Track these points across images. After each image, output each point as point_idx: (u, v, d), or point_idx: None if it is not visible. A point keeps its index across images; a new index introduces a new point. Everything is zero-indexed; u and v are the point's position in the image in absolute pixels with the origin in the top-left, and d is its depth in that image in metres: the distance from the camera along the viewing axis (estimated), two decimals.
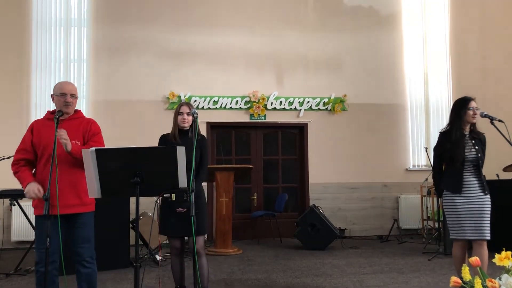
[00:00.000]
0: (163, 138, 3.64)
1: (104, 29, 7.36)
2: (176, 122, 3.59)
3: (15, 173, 3.04)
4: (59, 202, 2.89)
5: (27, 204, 4.91)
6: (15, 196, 4.98)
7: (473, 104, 3.60)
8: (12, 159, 3.11)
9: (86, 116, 3.32)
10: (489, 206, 3.50)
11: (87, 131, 3.12)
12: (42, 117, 3.22)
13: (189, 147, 3.32)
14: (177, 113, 3.58)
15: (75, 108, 3.17)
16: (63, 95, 3.05)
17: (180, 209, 3.36)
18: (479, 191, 3.51)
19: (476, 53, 8.25)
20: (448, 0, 8.21)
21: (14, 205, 5.10)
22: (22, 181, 2.99)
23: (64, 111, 3.05)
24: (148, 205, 5.00)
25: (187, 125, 3.59)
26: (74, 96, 3.09)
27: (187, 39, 7.51)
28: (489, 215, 3.48)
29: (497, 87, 8.10)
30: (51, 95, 3.14)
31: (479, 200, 3.49)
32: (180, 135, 3.58)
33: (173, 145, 2.70)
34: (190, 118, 3.55)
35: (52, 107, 3.20)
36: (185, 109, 3.56)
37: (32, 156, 3.04)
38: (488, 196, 3.51)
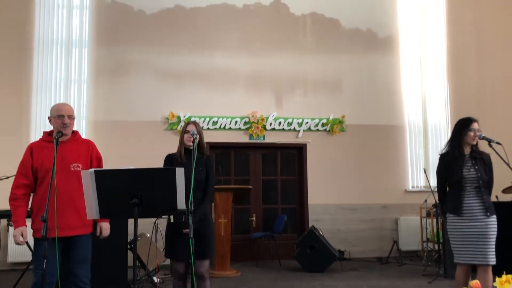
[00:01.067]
0: (169, 158, 3.56)
1: (105, 50, 7.43)
2: (182, 141, 3.52)
3: (11, 200, 3.02)
4: (60, 224, 2.90)
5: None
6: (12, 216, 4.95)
7: (475, 125, 3.56)
8: (11, 179, 3.10)
9: (87, 137, 3.34)
10: (494, 229, 3.41)
11: (90, 153, 3.13)
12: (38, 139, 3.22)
13: (196, 166, 3.29)
14: (184, 131, 3.52)
15: (73, 129, 3.17)
16: (61, 116, 3.05)
17: (187, 230, 3.19)
18: (481, 213, 3.43)
19: (473, 74, 8.32)
20: (444, 23, 8.32)
21: (11, 225, 5.06)
22: (13, 219, 3.00)
23: (62, 133, 3.05)
24: (146, 226, 4.97)
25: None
26: (71, 117, 3.10)
27: (186, 60, 7.58)
28: (494, 239, 3.39)
29: (494, 108, 8.15)
30: (48, 117, 3.14)
31: (482, 223, 3.41)
32: (186, 154, 3.48)
33: (172, 166, 2.69)
34: (197, 136, 3.49)
35: (50, 128, 3.21)
36: (191, 127, 3.49)
37: (32, 181, 3.04)
38: (493, 218, 3.43)
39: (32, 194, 3.09)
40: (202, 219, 3.41)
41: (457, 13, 8.35)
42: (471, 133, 3.53)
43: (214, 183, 3.60)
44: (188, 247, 3.19)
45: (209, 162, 3.56)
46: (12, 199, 3.01)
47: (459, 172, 3.48)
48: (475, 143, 3.57)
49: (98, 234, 3.15)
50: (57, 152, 2.95)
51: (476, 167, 3.50)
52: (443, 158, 3.65)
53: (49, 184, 2.82)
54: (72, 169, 3.02)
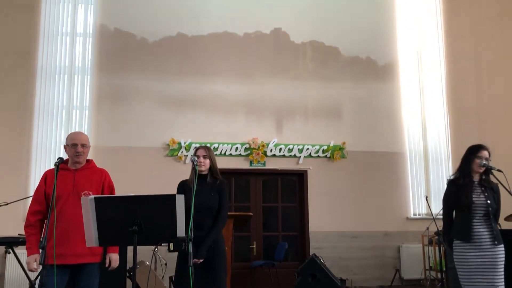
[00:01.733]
0: (182, 184, 3.49)
1: (107, 77, 7.50)
2: (193, 166, 3.45)
3: (25, 227, 3.08)
4: (67, 251, 2.93)
5: (22, 252, 4.82)
6: (10, 243, 4.90)
7: (483, 153, 3.54)
8: (10, 205, 3.11)
9: None
10: (503, 258, 3.37)
11: (103, 182, 3.15)
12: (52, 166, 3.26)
13: (206, 193, 3.25)
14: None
15: (87, 158, 3.22)
16: (74, 145, 3.12)
17: (195, 260, 3.12)
18: (489, 242, 3.39)
19: (472, 100, 8.36)
20: (443, 50, 8.42)
21: (10, 253, 5.02)
22: (27, 245, 3.04)
23: (75, 161, 3.11)
24: (146, 253, 4.92)
25: (203, 169, 3.42)
26: (85, 145, 3.16)
27: (187, 87, 7.64)
28: (502, 268, 3.35)
29: (494, 135, 8.15)
30: (64, 145, 3.23)
31: (491, 252, 3.37)
32: (198, 180, 3.36)
33: (172, 193, 2.68)
34: (207, 161, 3.43)
35: (61, 155, 3.26)
36: (201, 152, 3.45)
37: (44, 207, 3.08)
38: (501, 247, 3.39)
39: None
40: (212, 248, 3.29)
41: (455, 40, 8.46)
42: (478, 161, 3.52)
43: (227, 209, 3.48)
44: (195, 276, 3.07)
45: (222, 187, 3.46)
46: (26, 225, 3.08)
47: (470, 197, 3.45)
48: (480, 171, 3.55)
49: (107, 265, 3.13)
50: (70, 179, 3.06)
51: (486, 194, 3.48)
52: (452, 184, 3.62)
53: (61, 212, 2.91)
54: (83, 196, 3.03)
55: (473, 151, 3.59)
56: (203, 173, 3.45)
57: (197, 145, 7.29)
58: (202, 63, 7.75)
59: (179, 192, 3.43)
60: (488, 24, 8.62)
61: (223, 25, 7.90)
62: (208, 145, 7.41)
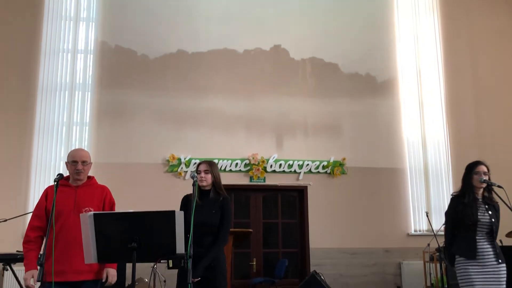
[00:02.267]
0: (185, 199, 3.46)
1: (107, 93, 7.52)
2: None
3: (24, 243, 3.07)
4: (67, 268, 2.91)
5: (20, 269, 4.78)
6: (8, 260, 4.86)
7: (480, 168, 3.55)
8: (9, 221, 3.11)
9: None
10: (505, 275, 3.36)
11: (104, 198, 3.16)
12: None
13: (208, 209, 3.22)
14: (196, 171, 3.41)
15: (89, 175, 3.23)
16: (74, 162, 3.14)
17: (193, 278, 3.03)
18: (493, 259, 3.38)
19: (472, 117, 8.39)
20: (442, 67, 8.47)
21: (7, 270, 4.96)
22: (25, 261, 3.02)
23: (76, 178, 3.12)
24: (145, 270, 4.88)
25: (205, 184, 3.36)
26: (85, 163, 3.17)
27: (187, 103, 7.67)
28: (505, 286, 3.34)
29: (494, 150, 8.16)
30: (65, 162, 3.25)
31: (494, 269, 3.36)
32: (201, 195, 3.33)
33: (172, 210, 2.67)
34: (209, 176, 3.35)
35: (61, 171, 3.28)
36: (202, 167, 3.38)
37: (45, 223, 3.07)
38: (504, 265, 3.37)
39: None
40: (213, 266, 3.22)
41: (454, 58, 8.52)
42: (476, 177, 3.53)
43: (228, 228, 3.40)
44: None
45: (225, 204, 3.38)
46: (25, 241, 3.06)
47: (475, 215, 3.44)
48: (482, 187, 3.55)
49: (104, 280, 3.11)
50: (71, 195, 3.07)
51: (490, 212, 3.49)
52: (455, 200, 3.61)
53: (62, 229, 2.92)
54: (84, 213, 3.04)
55: (471, 168, 3.61)
56: (206, 188, 3.38)
57: (197, 161, 7.35)
58: (202, 80, 7.79)
59: (182, 206, 3.39)
60: (487, 41, 8.70)
61: (223, 42, 7.97)
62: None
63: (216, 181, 3.40)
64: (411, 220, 7.86)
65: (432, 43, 8.54)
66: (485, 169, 3.57)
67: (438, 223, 7.24)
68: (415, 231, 7.81)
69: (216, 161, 7.42)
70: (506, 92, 8.56)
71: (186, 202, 3.41)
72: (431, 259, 6.93)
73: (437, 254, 6.53)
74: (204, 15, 8.01)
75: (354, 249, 7.57)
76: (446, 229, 3.70)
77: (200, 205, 3.16)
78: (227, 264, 5.95)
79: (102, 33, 7.72)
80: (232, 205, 7.56)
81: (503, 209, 3.68)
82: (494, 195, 3.62)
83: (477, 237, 3.44)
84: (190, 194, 3.41)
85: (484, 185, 3.54)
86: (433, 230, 6.53)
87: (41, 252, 2.99)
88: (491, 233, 3.46)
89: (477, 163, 3.61)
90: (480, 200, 3.55)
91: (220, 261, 3.29)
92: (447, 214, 3.70)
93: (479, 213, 3.47)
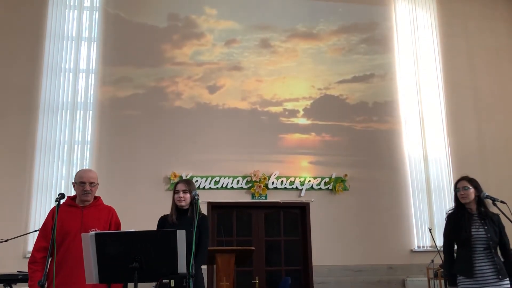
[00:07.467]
0: (161, 220, 3.49)
1: (109, 112, 7.56)
2: (173, 201, 3.46)
3: (30, 263, 3.05)
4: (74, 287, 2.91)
5: None
6: (9, 281, 4.83)
7: (459, 184, 3.54)
8: (10, 241, 3.09)
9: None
10: None
11: (110, 219, 3.16)
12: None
13: (187, 228, 3.21)
14: (174, 191, 3.46)
15: (95, 195, 3.23)
16: (82, 183, 3.14)
17: None
18: (493, 277, 3.32)
19: (472, 133, 8.41)
20: (442, 85, 8.52)
21: None
22: (30, 282, 3.01)
23: (83, 199, 3.12)
24: None
25: (184, 204, 3.41)
26: (93, 184, 3.17)
27: (188, 121, 7.69)
28: None
29: (496, 165, 8.16)
30: (72, 182, 3.25)
31: (496, 287, 3.31)
32: (178, 214, 3.39)
33: (173, 229, 2.66)
34: (188, 196, 3.38)
35: (62, 191, 3.27)
36: (180, 186, 3.42)
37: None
38: (506, 281, 3.31)
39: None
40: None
41: (454, 75, 8.58)
42: (458, 193, 3.52)
43: (207, 245, 3.43)
44: None
45: (203, 222, 3.41)
46: (31, 262, 3.05)
47: (468, 232, 3.40)
48: (465, 201, 3.52)
49: None
50: (78, 216, 3.08)
51: (485, 227, 3.42)
52: (449, 218, 3.60)
53: (69, 249, 2.93)
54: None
55: (455, 185, 3.63)
56: (184, 208, 3.42)
57: (199, 179, 7.35)
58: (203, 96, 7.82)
59: (158, 227, 3.42)
60: (486, 59, 8.78)
61: (225, 58, 8.03)
62: (210, 178, 7.41)
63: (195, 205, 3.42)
64: (414, 236, 7.80)
65: (431, 62, 8.62)
66: (464, 183, 3.53)
67: (442, 239, 7.18)
68: (419, 247, 7.74)
69: (217, 178, 7.42)
70: (506, 108, 8.59)
71: (163, 224, 3.43)
72: (435, 275, 6.86)
73: (441, 270, 6.47)
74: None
75: (357, 266, 7.50)
76: (444, 248, 3.68)
77: (177, 225, 3.16)
78: (229, 283, 5.90)
79: (104, 53, 7.79)
80: (233, 222, 7.59)
81: (506, 224, 3.64)
82: (496, 210, 3.58)
83: (474, 255, 3.38)
84: (167, 215, 3.47)
85: (466, 200, 3.50)
86: (436, 246, 6.47)
87: (44, 273, 2.98)
88: (489, 249, 3.38)
89: (459, 179, 3.63)
90: (476, 215, 3.51)
91: (200, 279, 3.31)
92: (444, 233, 3.68)
93: (472, 228, 3.41)
